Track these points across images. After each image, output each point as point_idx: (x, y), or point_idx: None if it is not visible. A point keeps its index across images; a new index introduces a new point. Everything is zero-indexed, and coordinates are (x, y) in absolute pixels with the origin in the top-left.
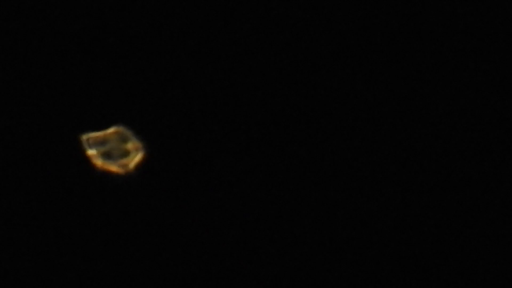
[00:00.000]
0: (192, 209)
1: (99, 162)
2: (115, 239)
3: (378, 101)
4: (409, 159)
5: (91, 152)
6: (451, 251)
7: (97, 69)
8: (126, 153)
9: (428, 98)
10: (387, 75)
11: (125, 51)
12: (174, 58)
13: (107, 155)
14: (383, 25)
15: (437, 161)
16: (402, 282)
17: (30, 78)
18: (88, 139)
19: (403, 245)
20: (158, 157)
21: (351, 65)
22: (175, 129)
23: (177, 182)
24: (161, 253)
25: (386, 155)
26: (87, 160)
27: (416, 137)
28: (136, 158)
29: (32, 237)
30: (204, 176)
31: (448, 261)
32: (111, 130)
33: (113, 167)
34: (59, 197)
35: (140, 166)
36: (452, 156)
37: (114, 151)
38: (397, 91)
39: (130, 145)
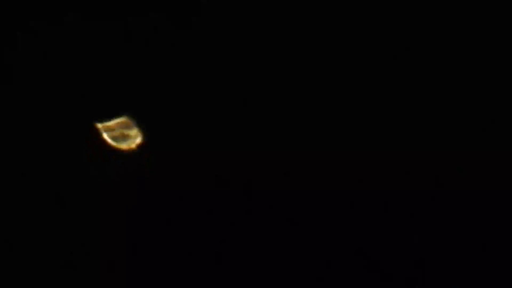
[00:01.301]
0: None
1: (110, 142)
2: (120, 199)
3: (378, 101)
4: (409, 159)
5: (105, 135)
6: (452, 251)
7: (112, 74)
8: (129, 136)
9: (428, 98)
10: (387, 75)
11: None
12: (171, 59)
13: (115, 138)
14: (383, 25)
15: (438, 161)
16: (402, 282)
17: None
18: (102, 127)
19: (403, 245)
20: (152, 140)
21: (351, 65)
22: (166, 119)
23: (167, 157)
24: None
25: (386, 155)
26: (102, 140)
27: (416, 137)
28: (136, 140)
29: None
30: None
31: (448, 261)
32: (118, 120)
33: (121, 146)
34: (81, 166)
35: (139, 146)
36: (452, 156)
37: (121, 135)
38: (397, 91)
39: (132, 131)
